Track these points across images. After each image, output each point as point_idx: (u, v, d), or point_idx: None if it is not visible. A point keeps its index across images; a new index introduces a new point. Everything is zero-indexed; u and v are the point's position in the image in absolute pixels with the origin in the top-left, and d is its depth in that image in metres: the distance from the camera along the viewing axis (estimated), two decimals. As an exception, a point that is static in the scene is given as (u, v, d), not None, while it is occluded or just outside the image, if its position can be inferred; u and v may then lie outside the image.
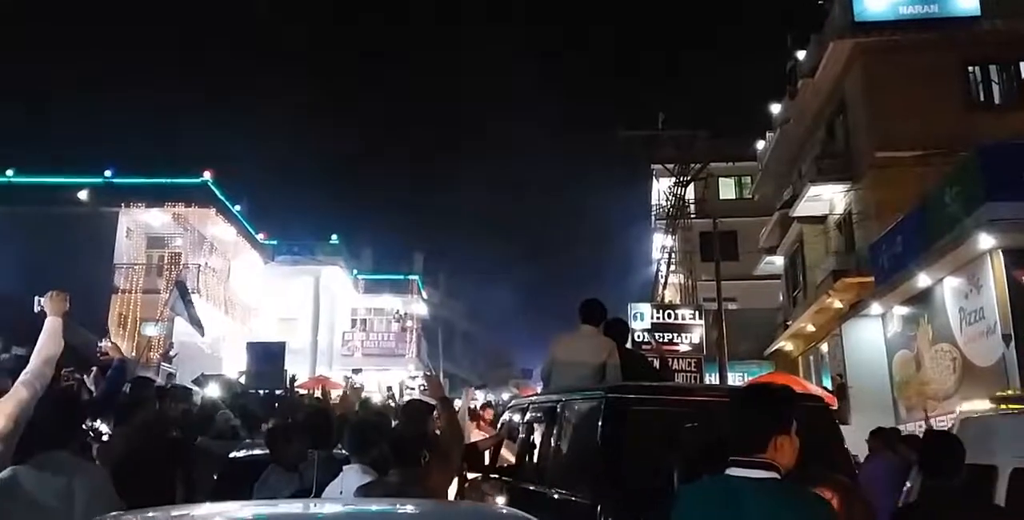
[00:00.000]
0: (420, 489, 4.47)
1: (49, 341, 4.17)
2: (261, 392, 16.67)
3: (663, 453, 4.18)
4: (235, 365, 23.70)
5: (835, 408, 16.28)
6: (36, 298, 4.36)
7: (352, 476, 5.01)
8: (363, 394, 16.11)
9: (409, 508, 3.21)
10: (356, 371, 25.30)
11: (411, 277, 43.10)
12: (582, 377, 6.11)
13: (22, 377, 4.04)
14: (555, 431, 5.84)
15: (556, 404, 5.99)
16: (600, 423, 5.08)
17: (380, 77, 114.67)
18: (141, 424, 6.25)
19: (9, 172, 25.50)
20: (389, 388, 18.24)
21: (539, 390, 8.01)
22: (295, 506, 3.42)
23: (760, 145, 30.13)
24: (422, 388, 22.23)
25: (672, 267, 32.62)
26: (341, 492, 4.87)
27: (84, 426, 4.30)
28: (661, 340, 17.97)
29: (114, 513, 2.85)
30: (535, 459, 6.11)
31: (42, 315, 4.31)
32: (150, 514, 2.74)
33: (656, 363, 8.07)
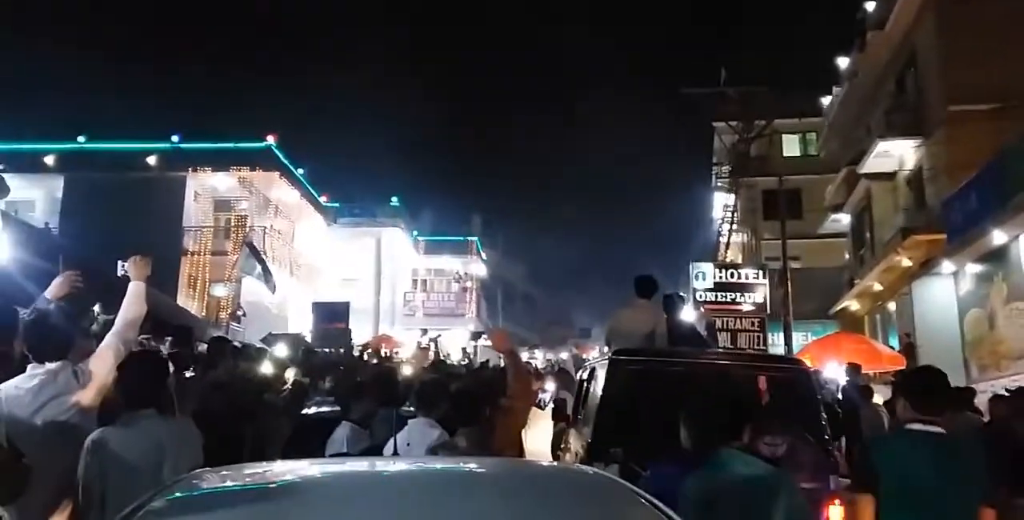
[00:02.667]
0: (484, 449, 4.56)
1: (133, 304, 4.25)
2: (327, 350, 17.03)
3: (654, 405, 4.92)
4: (301, 324, 24.25)
5: (903, 368, 16.14)
6: (119, 263, 4.47)
7: (417, 429, 5.18)
8: (439, 354, 16.27)
9: (478, 467, 3.20)
10: (425, 332, 25.72)
11: (470, 238, 43.33)
12: (636, 342, 6.87)
13: (107, 339, 4.17)
14: (589, 386, 6.91)
15: (593, 365, 7.26)
16: (604, 380, 6.16)
17: (439, 39, 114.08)
18: (216, 381, 6.45)
19: (81, 138, 26.18)
20: (464, 349, 18.36)
21: (599, 350, 9.37)
22: (378, 463, 3.45)
23: (826, 100, 29.27)
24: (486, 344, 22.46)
25: (734, 226, 32.13)
26: (408, 444, 4.99)
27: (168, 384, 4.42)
28: (723, 300, 17.79)
29: (200, 469, 2.91)
30: (580, 408, 7.36)
31: (125, 279, 4.39)
32: (239, 470, 2.78)
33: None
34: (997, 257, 16.08)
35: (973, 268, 17.42)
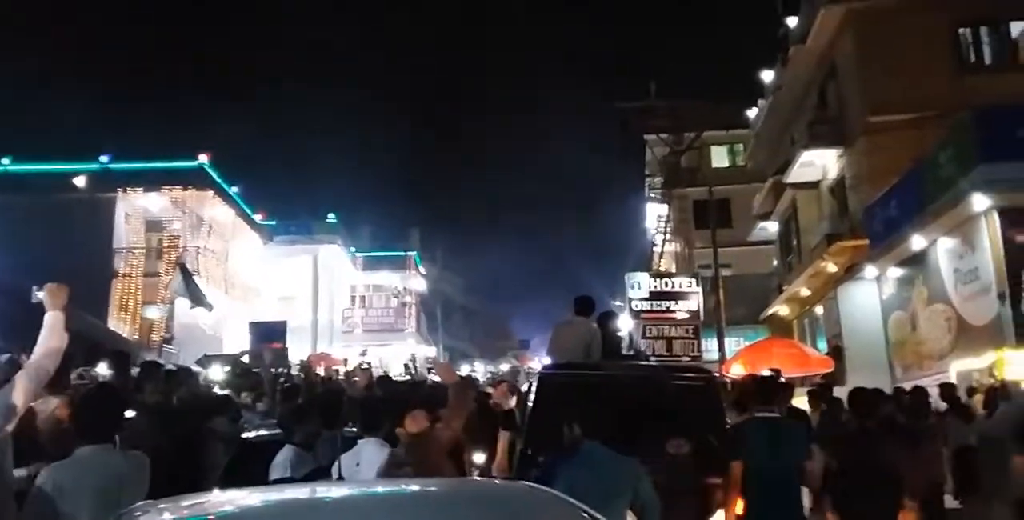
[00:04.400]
0: (424, 459, 4.91)
1: (50, 336, 4.03)
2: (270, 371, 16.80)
3: (574, 410, 5.42)
4: (236, 345, 23.87)
5: (831, 370, 16.64)
6: (34, 290, 4.24)
7: (368, 449, 5.22)
8: (376, 371, 16.23)
9: (422, 488, 3.28)
10: (363, 353, 25.58)
11: (408, 253, 43.23)
12: (573, 355, 7.62)
13: (24, 370, 4.03)
14: (529, 397, 7.64)
15: (534, 377, 8.43)
16: (535, 392, 7.07)
17: (374, 54, 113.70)
18: (155, 407, 6.36)
19: (5, 160, 25.46)
20: (408, 363, 18.32)
21: (538, 361, 10.16)
22: (322, 488, 3.50)
23: (752, 113, 30.08)
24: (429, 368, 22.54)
25: (668, 236, 32.70)
26: (358, 464, 5.06)
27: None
28: (659, 308, 18.12)
29: (148, 502, 2.92)
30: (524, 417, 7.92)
31: (41, 307, 4.15)
32: (184, 501, 2.77)
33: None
34: (917, 261, 16.71)
35: (895, 272, 18.07)
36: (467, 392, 6.84)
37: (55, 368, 4.08)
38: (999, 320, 13.33)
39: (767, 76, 27.58)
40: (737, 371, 14.94)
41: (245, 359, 18.88)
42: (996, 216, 13.50)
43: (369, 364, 16.33)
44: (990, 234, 13.61)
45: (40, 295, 4.19)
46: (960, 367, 14.32)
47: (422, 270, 44.72)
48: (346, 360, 25.31)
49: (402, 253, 42.91)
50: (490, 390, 11.83)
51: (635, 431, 5.95)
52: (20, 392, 3.87)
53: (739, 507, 5.79)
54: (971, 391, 11.35)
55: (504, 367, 35.57)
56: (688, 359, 16.45)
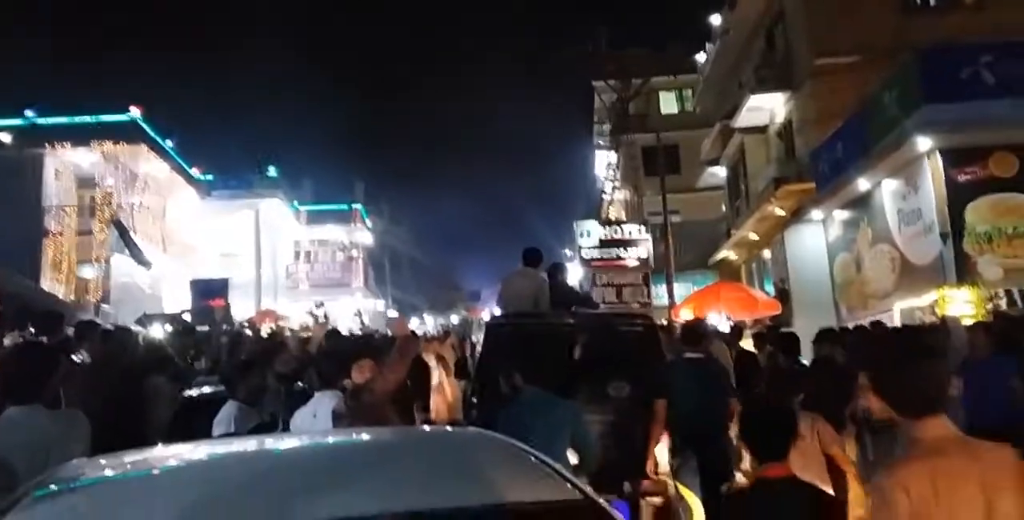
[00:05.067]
0: (367, 409, 4.83)
1: None
2: (206, 328, 16.42)
3: (521, 358, 5.76)
4: (177, 304, 23.31)
5: (779, 313, 16.84)
6: None
7: (325, 402, 5.14)
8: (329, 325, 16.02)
9: (368, 437, 3.21)
10: (321, 304, 25.26)
11: (354, 206, 42.56)
12: (522, 305, 7.78)
13: None
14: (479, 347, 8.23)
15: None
16: (483, 340, 7.52)
17: (311, 7, 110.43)
18: (93, 367, 6.09)
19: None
20: (358, 315, 18.16)
21: (488, 312, 10.48)
22: (264, 441, 3.33)
23: (701, 58, 29.89)
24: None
25: (617, 183, 32.62)
26: (315, 416, 5.03)
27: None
28: (609, 256, 18.09)
29: (85, 459, 2.82)
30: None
31: None
32: (119, 458, 2.64)
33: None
34: (862, 203, 16.88)
35: (841, 214, 18.26)
36: (412, 344, 6.99)
37: None
38: (940, 259, 13.54)
39: (715, 20, 27.35)
40: (686, 316, 15.03)
41: (186, 317, 18.45)
42: (939, 156, 13.63)
43: (327, 317, 16.07)
44: (933, 174, 13.75)
45: None
46: (904, 306, 14.58)
47: (368, 223, 44.14)
48: (284, 318, 24.91)
49: (347, 206, 42.22)
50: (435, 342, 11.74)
51: (579, 376, 6.45)
52: None
53: (664, 442, 6.27)
54: (917, 328, 11.51)
55: (454, 319, 35.51)
56: (638, 306, 16.49)
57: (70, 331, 8.76)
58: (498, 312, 8.75)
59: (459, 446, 2.79)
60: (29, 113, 24.89)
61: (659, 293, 20.14)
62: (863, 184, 16.16)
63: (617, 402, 6.43)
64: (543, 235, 42.35)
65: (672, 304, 19.57)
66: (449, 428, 5.31)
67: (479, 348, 8.11)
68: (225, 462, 2.60)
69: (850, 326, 12.55)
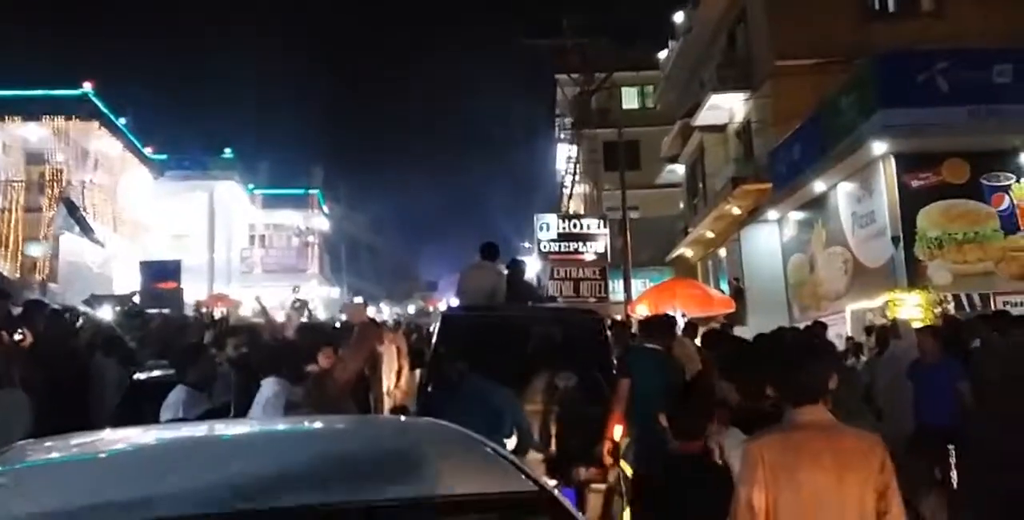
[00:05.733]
0: (322, 398, 4.98)
1: None
2: (155, 311, 16.13)
3: (474, 349, 6.17)
4: (127, 285, 22.84)
5: (732, 310, 17.03)
6: None
7: (268, 387, 5.13)
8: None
9: (319, 425, 3.23)
10: (296, 288, 25.04)
11: (311, 191, 42.07)
12: (479, 298, 8.01)
13: None
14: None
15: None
16: (437, 332, 7.56)
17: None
18: (37, 348, 5.93)
19: None
20: (301, 302, 18.07)
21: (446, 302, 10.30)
22: (213, 426, 3.30)
23: (663, 54, 30.03)
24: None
25: (577, 177, 32.70)
26: (260, 404, 4.99)
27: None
28: (567, 250, 18.11)
29: (23, 441, 2.74)
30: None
31: None
32: (64, 440, 2.61)
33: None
34: (817, 205, 17.13)
35: (796, 215, 18.51)
36: (371, 331, 7.25)
37: None
38: (892, 263, 13.81)
39: (679, 17, 27.51)
40: (642, 311, 15.12)
41: (136, 299, 18.11)
42: (893, 161, 13.89)
43: (303, 302, 15.79)
44: (887, 179, 14.01)
45: None
46: (855, 307, 14.84)
47: (325, 209, 43.68)
48: (237, 304, 24.56)
49: (304, 191, 41.72)
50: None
51: (529, 367, 6.75)
52: None
53: (619, 426, 6.39)
54: (868, 330, 11.74)
55: (411, 309, 35.33)
56: (595, 300, 16.51)
57: (16, 310, 8.54)
58: (455, 303, 8.98)
59: (412, 436, 2.77)
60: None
61: (616, 288, 20.23)
62: (819, 186, 16.40)
63: (565, 392, 6.63)
64: (502, 226, 42.27)
65: (629, 299, 19.68)
66: (403, 418, 5.28)
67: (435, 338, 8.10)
68: (170, 448, 2.58)
69: (801, 326, 12.74)
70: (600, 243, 18.15)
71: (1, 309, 8.12)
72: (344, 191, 49.53)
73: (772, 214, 19.29)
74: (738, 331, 13.29)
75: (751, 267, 20.04)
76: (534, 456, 5.94)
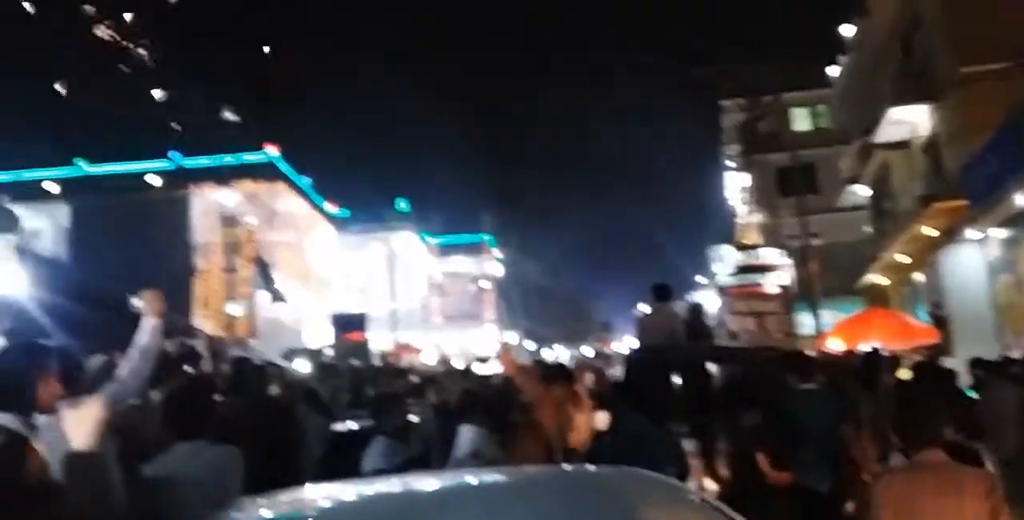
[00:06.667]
0: (512, 454, 4.88)
1: (150, 340, 4.23)
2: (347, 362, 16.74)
3: (656, 387, 6.56)
4: (316, 337, 23.99)
5: (937, 341, 15.74)
6: (130, 299, 4.34)
7: (465, 436, 5.10)
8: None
9: (522, 478, 3.26)
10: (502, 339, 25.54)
11: (483, 237, 43.06)
12: (658, 339, 8.41)
13: (118, 373, 4.16)
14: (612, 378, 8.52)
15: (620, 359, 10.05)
16: (623, 370, 8.21)
17: (437, 32, 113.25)
18: (247, 403, 6.20)
19: (81, 162, 25.99)
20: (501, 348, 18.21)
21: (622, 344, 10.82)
22: (419, 481, 3.33)
23: (833, 71, 28.81)
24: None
25: (750, 206, 31.71)
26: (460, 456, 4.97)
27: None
28: (747, 283, 17.47)
29: (248, 498, 2.89)
30: None
31: (134, 314, 4.35)
32: (284, 498, 2.77)
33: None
34: (1023, 220, 15.69)
35: (999, 233, 17.02)
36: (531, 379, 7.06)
37: (151, 370, 4.26)
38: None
39: (846, 31, 26.35)
40: (835, 346, 14.25)
41: (328, 351, 18.90)
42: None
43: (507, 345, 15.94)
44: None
45: (137, 303, 4.35)
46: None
47: (498, 254, 44.53)
48: (419, 351, 25.20)
49: (476, 237, 42.77)
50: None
51: (711, 405, 7.03)
52: (101, 401, 3.82)
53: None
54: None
55: (587, 350, 35.14)
56: (781, 335, 15.79)
57: (224, 367, 9.01)
58: (635, 344, 9.89)
59: (613, 486, 2.74)
60: (174, 155, 26.32)
61: (803, 322, 19.25)
62: (1022, 200, 15.02)
63: (747, 430, 6.48)
64: (673, 261, 41.50)
65: (819, 333, 18.64)
66: (594, 468, 5.17)
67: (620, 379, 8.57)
68: (380, 504, 2.70)
69: (1018, 355, 11.57)
70: (782, 274, 17.41)
71: (200, 367, 8.60)
72: (515, 235, 50.39)
73: (972, 233, 17.80)
74: (948, 363, 12.24)
75: (953, 292, 18.54)
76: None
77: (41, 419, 3.39)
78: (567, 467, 5.86)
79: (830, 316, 21.09)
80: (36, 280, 6.54)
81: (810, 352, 15.30)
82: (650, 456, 5.19)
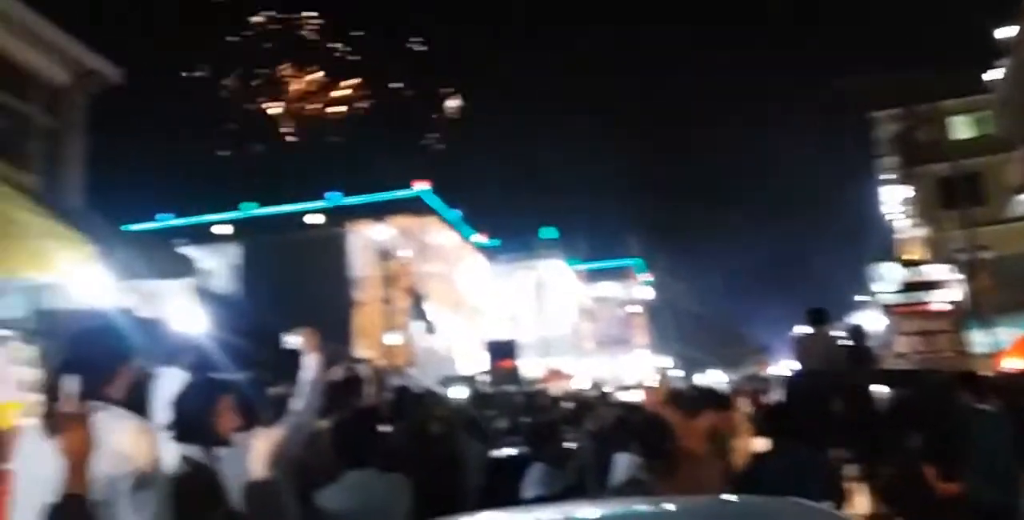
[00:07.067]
0: (667, 484, 4.69)
1: (313, 374, 4.41)
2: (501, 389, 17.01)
3: (818, 407, 6.72)
4: (469, 365, 24.48)
5: None
6: (284, 336, 4.65)
7: (621, 464, 5.00)
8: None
9: (684, 507, 3.20)
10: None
11: (630, 262, 42.81)
12: (817, 364, 8.38)
13: (291, 406, 4.35)
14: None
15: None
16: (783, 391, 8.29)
17: (579, 58, 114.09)
18: (410, 431, 6.42)
19: (252, 206, 27.80)
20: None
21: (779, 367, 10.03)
22: (582, 510, 3.35)
23: (992, 75, 27.06)
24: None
25: (911, 219, 30.10)
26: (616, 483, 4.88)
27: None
28: (912, 301, 16.61)
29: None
30: None
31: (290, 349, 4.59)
32: None
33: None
34: None
35: None
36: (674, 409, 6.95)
37: (319, 401, 4.40)
38: None
39: (1004, 32, 24.75)
40: (1014, 365, 13.28)
41: (481, 378, 19.26)
42: None
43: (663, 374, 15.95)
44: None
45: (293, 340, 4.59)
46: None
47: (646, 278, 44.13)
48: (570, 377, 25.22)
49: (624, 262, 42.58)
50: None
51: (874, 428, 6.88)
52: (277, 434, 4.07)
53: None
54: None
55: (740, 374, 34.16)
56: (952, 355, 14.88)
57: (387, 395, 9.36)
58: (793, 367, 9.81)
59: (775, 517, 2.70)
60: (333, 196, 27.69)
61: (975, 340, 18.04)
62: None
63: (912, 453, 6.47)
64: (831, 280, 39.87)
65: (996, 352, 17.40)
66: (755, 498, 5.08)
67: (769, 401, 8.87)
68: None
69: None
70: (950, 290, 16.43)
71: (364, 394, 8.98)
72: (663, 258, 49.80)
73: None
74: None
75: None
76: None
77: (222, 450, 3.67)
78: (727, 497, 5.77)
79: (1006, 333, 19.65)
80: (212, 317, 7.02)
81: (985, 372, 14.45)
82: (808, 483, 5.12)
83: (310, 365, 4.42)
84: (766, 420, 8.87)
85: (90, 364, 3.01)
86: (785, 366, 12.91)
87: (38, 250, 4.39)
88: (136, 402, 3.33)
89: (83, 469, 2.78)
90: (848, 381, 7.78)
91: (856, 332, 9.41)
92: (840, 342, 8.90)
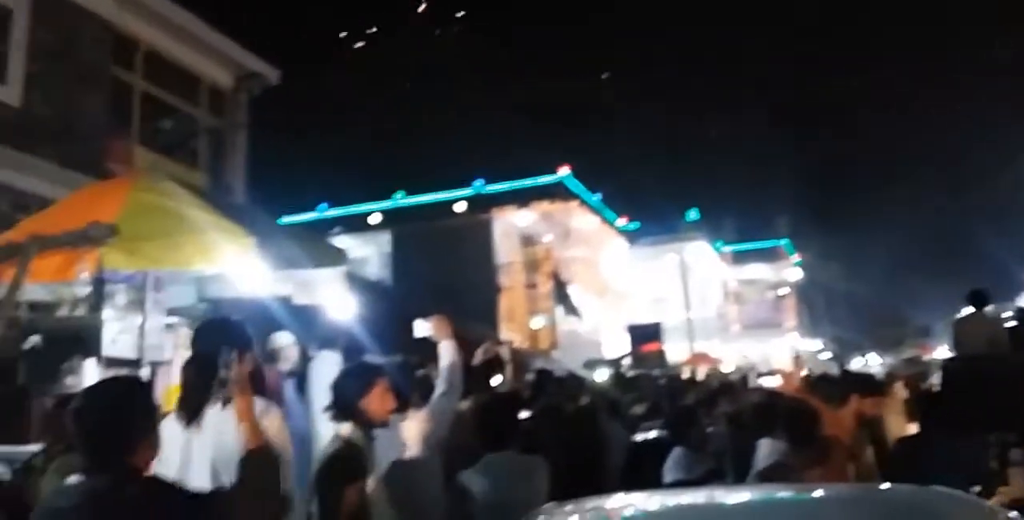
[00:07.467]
0: (813, 471, 4.55)
1: (451, 359, 4.65)
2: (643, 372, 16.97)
3: (977, 393, 6.08)
4: (614, 349, 24.51)
5: None
6: (416, 323, 4.88)
7: (763, 449, 5.01)
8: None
9: (829, 494, 3.03)
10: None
11: (779, 243, 41.45)
12: (977, 347, 8.21)
13: (437, 388, 4.59)
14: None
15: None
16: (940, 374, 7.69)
17: (720, 35, 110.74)
18: (552, 413, 6.58)
19: (398, 195, 28.72)
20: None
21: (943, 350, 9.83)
22: (723, 494, 3.34)
23: None
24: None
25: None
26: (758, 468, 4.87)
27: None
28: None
29: (553, 503, 2.95)
30: None
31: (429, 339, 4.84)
32: (588, 504, 2.77)
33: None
34: None
35: None
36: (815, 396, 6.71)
37: (460, 383, 4.65)
38: None
39: None
40: None
41: (626, 361, 19.28)
42: None
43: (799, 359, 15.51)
44: None
45: (425, 327, 4.83)
46: None
47: (796, 258, 42.65)
48: (718, 361, 24.79)
49: (772, 243, 41.25)
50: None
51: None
52: (426, 415, 4.35)
53: None
54: None
55: (902, 357, 32.57)
56: None
57: (528, 376, 9.58)
58: (950, 350, 9.49)
59: (926, 508, 2.58)
60: (478, 183, 28.20)
61: None
62: None
63: None
64: (997, 259, 37.22)
65: None
66: (905, 487, 4.90)
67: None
68: (685, 515, 2.64)
69: None
70: None
71: (504, 374, 9.20)
72: (815, 238, 47.91)
73: None
74: None
75: None
76: None
77: (377, 430, 3.89)
78: (876, 485, 5.61)
79: None
80: (364, 304, 7.39)
81: None
82: (960, 471, 5.09)
83: (446, 352, 4.63)
84: (921, 406, 8.58)
85: (215, 353, 3.38)
86: (949, 348, 12.33)
87: (205, 243, 4.76)
88: (256, 386, 3.63)
89: (259, 427, 3.21)
90: (1011, 365, 7.30)
91: (1019, 312, 9.06)
92: (1005, 324, 8.55)
